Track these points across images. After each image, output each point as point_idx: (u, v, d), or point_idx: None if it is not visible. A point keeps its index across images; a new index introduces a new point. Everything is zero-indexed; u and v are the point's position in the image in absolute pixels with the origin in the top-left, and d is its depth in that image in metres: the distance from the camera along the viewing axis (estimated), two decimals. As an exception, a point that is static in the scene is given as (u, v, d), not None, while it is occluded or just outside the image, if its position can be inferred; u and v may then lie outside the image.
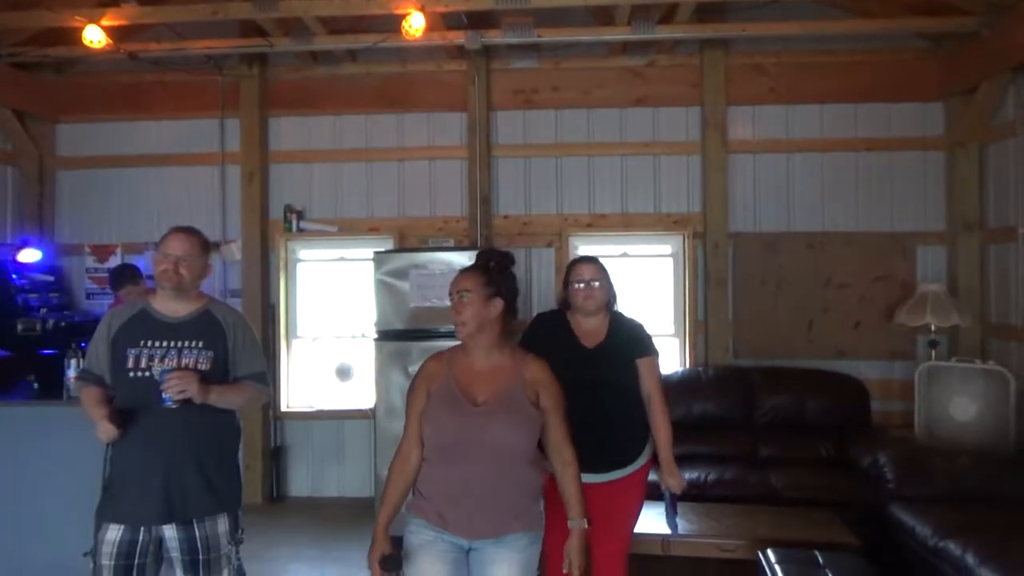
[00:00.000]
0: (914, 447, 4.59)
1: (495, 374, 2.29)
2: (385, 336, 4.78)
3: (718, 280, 5.46)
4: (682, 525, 3.81)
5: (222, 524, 2.57)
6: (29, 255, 5.48)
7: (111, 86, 5.88)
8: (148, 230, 5.71)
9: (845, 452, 4.65)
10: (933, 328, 4.96)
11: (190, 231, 2.60)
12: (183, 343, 2.52)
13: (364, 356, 5.43)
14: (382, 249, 5.25)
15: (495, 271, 2.32)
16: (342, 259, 5.91)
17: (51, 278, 5.67)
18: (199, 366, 2.51)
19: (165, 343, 2.51)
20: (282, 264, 5.81)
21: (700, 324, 5.53)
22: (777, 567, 3.20)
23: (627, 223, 5.65)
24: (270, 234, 5.78)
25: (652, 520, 3.80)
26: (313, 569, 4.33)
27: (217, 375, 2.54)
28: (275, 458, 5.69)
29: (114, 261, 5.65)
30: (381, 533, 2.27)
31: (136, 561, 2.46)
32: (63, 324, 5.27)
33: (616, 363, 2.90)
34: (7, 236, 5.66)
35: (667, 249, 5.73)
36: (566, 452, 2.33)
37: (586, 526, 2.32)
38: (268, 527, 4.92)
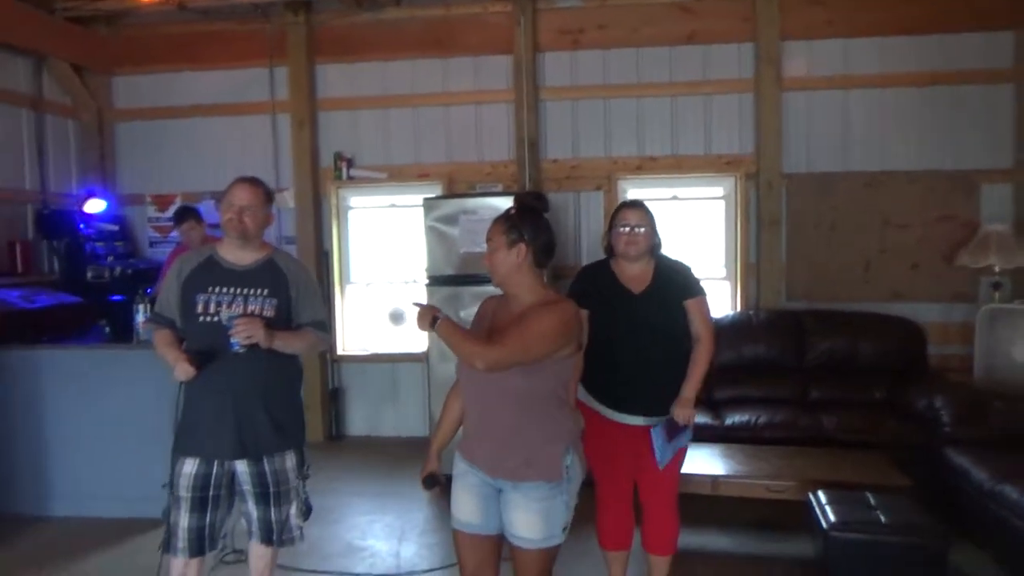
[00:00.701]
0: (972, 390, 4.51)
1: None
2: (436, 281, 4.85)
3: (771, 222, 5.37)
4: (731, 466, 3.84)
5: (290, 460, 2.72)
6: (95, 205, 5.69)
7: (161, 37, 5.95)
8: (205, 179, 5.85)
9: (899, 395, 4.58)
10: (997, 269, 4.83)
11: (254, 181, 2.68)
12: (249, 290, 2.61)
13: (417, 301, 5.52)
14: (431, 195, 5.29)
15: (516, 217, 2.31)
16: (392, 205, 5.98)
17: (116, 227, 5.89)
18: (264, 313, 2.60)
19: (232, 290, 2.60)
20: (334, 211, 5.91)
21: (752, 267, 5.47)
22: (827, 508, 3.24)
23: (677, 165, 5.56)
24: (321, 182, 5.86)
25: (702, 460, 3.87)
26: (374, 503, 4.52)
27: (281, 322, 2.64)
28: (333, 399, 5.90)
29: (174, 210, 5.81)
30: (432, 455, 2.44)
31: (211, 493, 2.62)
32: (129, 271, 5.54)
33: (664, 307, 2.88)
34: (72, 187, 5.86)
35: (719, 191, 5.64)
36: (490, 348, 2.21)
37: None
38: (329, 464, 5.13)
